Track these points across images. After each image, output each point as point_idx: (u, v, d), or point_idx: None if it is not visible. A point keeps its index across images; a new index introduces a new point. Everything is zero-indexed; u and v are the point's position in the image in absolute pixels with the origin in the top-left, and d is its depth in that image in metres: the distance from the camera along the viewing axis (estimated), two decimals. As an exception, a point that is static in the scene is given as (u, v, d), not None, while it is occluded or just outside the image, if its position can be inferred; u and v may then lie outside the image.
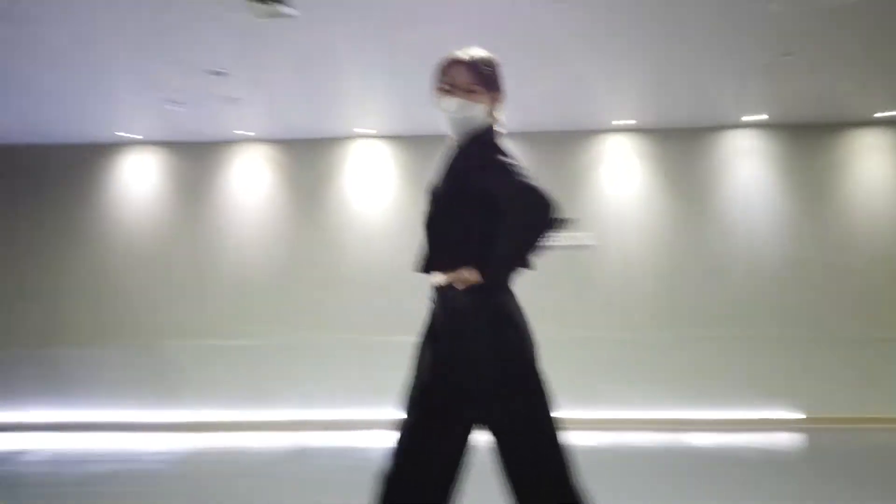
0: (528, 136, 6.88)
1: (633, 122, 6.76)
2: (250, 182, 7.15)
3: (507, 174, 1.79)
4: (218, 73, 5.23)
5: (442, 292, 1.85)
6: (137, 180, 7.22)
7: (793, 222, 6.75)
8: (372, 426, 6.04)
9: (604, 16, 4.45)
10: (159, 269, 7.05)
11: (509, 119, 2.01)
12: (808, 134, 6.79)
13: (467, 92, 1.88)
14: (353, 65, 5.24)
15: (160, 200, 7.19)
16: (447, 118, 1.90)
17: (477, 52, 1.92)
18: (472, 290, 1.80)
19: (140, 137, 7.05)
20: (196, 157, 7.19)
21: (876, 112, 6.51)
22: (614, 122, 6.78)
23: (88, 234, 7.13)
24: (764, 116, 6.61)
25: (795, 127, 6.79)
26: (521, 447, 1.80)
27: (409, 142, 6.94)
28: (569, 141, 6.96)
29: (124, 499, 4.07)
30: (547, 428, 1.82)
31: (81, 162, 7.19)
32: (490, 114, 1.92)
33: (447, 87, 1.89)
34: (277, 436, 6.32)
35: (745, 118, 6.67)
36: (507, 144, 1.87)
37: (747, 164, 6.87)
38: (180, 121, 6.42)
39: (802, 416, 6.31)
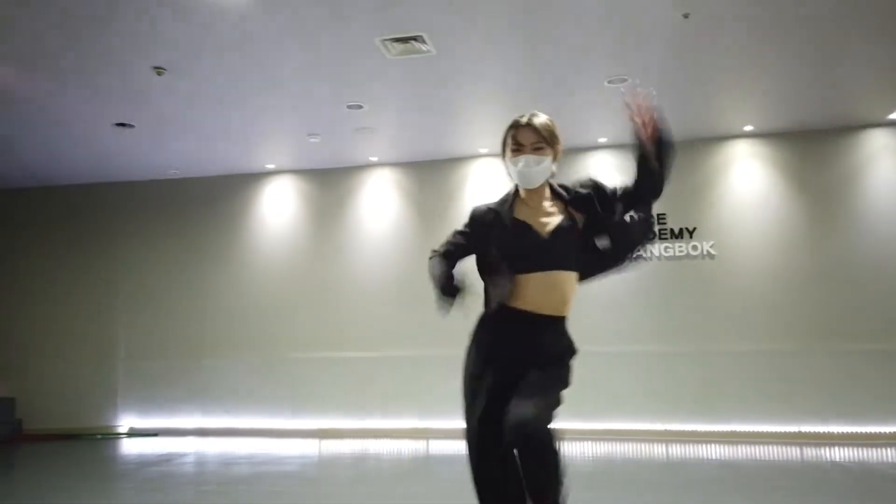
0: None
1: (757, 127, 6.61)
2: (375, 204, 7.56)
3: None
4: (357, 107, 5.63)
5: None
6: (273, 206, 7.82)
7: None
8: None
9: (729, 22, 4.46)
10: (292, 288, 7.59)
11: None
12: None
13: (536, 150, 2.17)
14: (475, 88, 5.50)
15: (293, 224, 7.74)
16: (520, 172, 2.19)
17: (537, 116, 2.22)
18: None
19: (279, 167, 7.65)
20: (327, 182, 7.69)
21: None
22: (746, 128, 6.66)
23: (229, 256, 7.78)
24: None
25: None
26: None
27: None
28: (694, 148, 6.89)
29: (264, 497, 4.45)
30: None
31: (229, 191, 7.89)
32: (553, 165, 2.22)
33: (517, 147, 2.19)
34: (401, 443, 6.72)
35: (881, 116, 6.36)
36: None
37: (885, 165, 6.54)
38: (316, 150, 6.91)
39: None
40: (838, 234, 6.53)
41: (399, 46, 4.43)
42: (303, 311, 7.51)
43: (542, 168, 2.18)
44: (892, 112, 6.26)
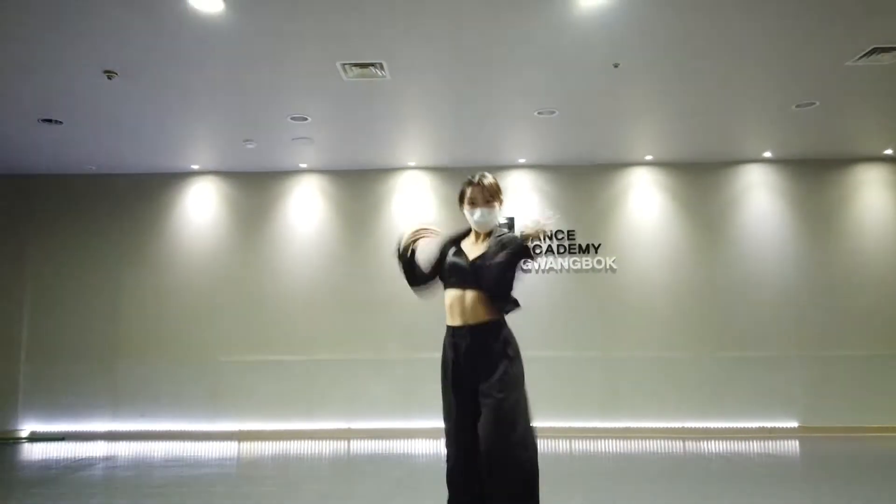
0: (566, 169, 7.56)
1: (655, 157, 7.43)
2: (302, 210, 7.70)
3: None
4: (301, 119, 5.80)
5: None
6: (199, 208, 7.74)
7: (801, 250, 7.45)
8: (412, 435, 7.04)
9: (639, 69, 5.11)
10: (214, 291, 7.58)
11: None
12: (816, 169, 7.51)
13: (487, 203, 2.81)
14: (412, 110, 5.83)
15: (216, 226, 7.71)
16: (476, 222, 2.81)
17: (486, 177, 2.85)
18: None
19: (203, 168, 7.60)
20: (253, 186, 7.72)
21: (886, 149, 7.22)
22: (646, 157, 7.45)
23: (147, 257, 7.63)
24: (769, 154, 7.31)
25: (804, 162, 7.51)
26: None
27: (447, 173, 7.59)
28: (601, 173, 7.63)
29: (204, 499, 4.56)
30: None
31: (149, 190, 7.73)
32: (499, 214, 2.88)
33: (472, 202, 2.82)
34: (325, 444, 6.96)
35: (757, 154, 7.36)
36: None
37: (759, 196, 7.57)
38: (245, 154, 6.97)
39: (796, 425, 7.15)
40: (720, 255, 7.49)
41: (357, 70, 4.70)
42: (225, 315, 7.51)
43: (493, 217, 2.82)
44: (765, 151, 7.27)
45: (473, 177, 2.83)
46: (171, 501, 4.51)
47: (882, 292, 7.32)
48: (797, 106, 5.73)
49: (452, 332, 2.74)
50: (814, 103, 5.65)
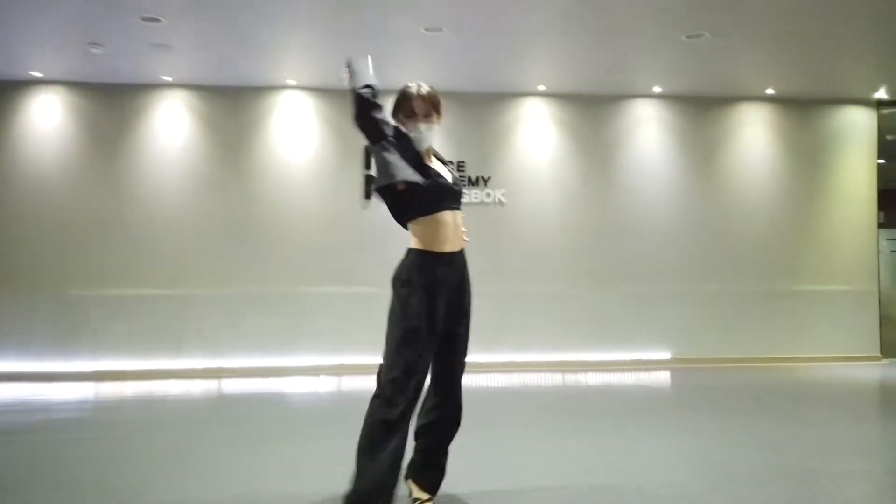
0: (456, 96, 7.16)
1: (548, 87, 7.20)
2: (168, 129, 6.94)
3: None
4: (153, 20, 5.06)
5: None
6: (45, 122, 6.81)
7: (685, 187, 7.56)
8: (284, 373, 6.77)
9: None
10: (66, 217, 6.77)
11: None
12: (702, 105, 7.56)
13: (426, 118, 2.46)
14: (286, 17, 5.26)
15: (69, 143, 6.83)
16: (415, 138, 2.44)
17: (424, 86, 2.50)
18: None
19: (48, 76, 6.63)
20: (109, 99, 6.85)
21: (767, 89, 7.34)
22: (539, 87, 7.19)
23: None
24: (659, 89, 7.28)
25: (691, 98, 7.53)
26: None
27: (330, 95, 7.03)
28: (493, 102, 7.32)
29: (48, 447, 4.08)
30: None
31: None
32: (437, 128, 2.53)
33: (410, 115, 2.45)
34: (190, 383, 6.49)
35: (648, 89, 7.31)
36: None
37: (648, 131, 7.56)
38: (97, 62, 6.10)
39: (668, 356, 7.43)
40: (609, 190, 7.47)
41: None
42: (78, 244, 6.74)
43: (431, 133, 2.47)
44: (655, 86, 7.21)
45: (410, 86, 2.48)
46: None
47: (754, 231, 7.60)
48: (687, 37, 5.61)
49: (445, 259, 2.46)
50: (703, 34, 5.55)
